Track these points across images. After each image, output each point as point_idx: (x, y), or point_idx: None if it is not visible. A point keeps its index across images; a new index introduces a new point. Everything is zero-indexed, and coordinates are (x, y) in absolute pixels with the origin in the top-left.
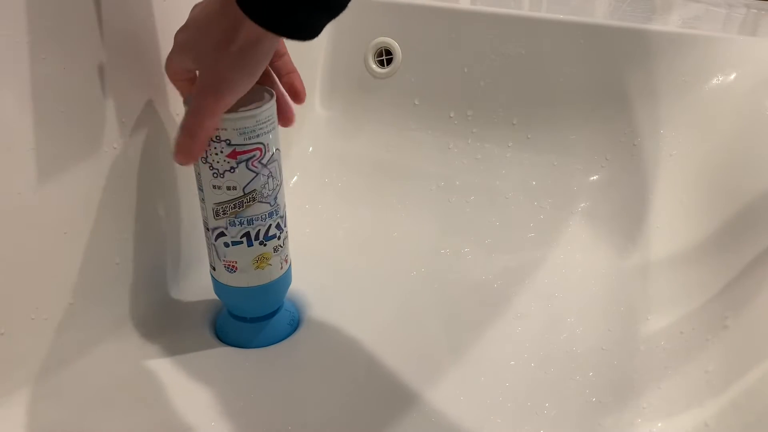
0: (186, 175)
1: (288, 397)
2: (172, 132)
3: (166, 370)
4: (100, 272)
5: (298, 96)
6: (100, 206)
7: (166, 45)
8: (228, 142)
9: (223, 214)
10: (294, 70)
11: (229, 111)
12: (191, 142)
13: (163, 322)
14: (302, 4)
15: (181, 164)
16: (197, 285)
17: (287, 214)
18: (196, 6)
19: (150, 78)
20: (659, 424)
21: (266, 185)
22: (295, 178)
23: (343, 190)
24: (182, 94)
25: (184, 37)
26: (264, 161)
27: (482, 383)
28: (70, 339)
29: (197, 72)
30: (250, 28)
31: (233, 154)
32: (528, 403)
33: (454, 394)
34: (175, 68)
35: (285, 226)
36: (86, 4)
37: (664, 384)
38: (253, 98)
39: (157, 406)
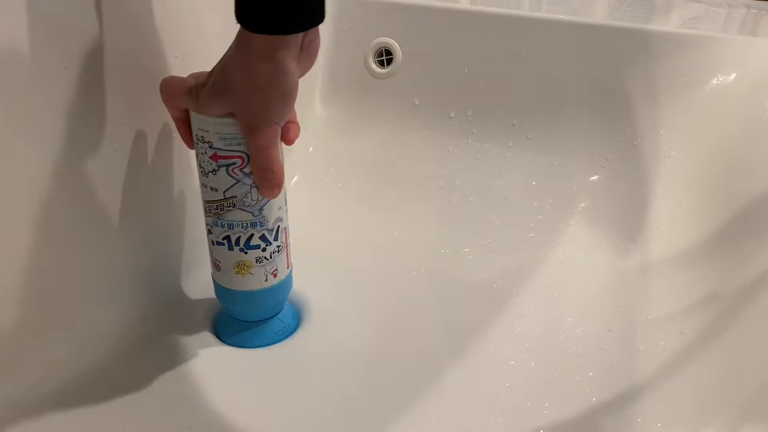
0: (186, 175)
1: (288, 397)
2: (172, 131)
3: (166, 369)
4: (100, 272)
5: (288, 142)
6: (101, 206)
7: (166, 45)
8: (210, 144)
9: (209, 212)
10: (294, 121)
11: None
12: (272, 176)
13: (164, 322)
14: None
15: (276, 196)
16: (198, 285)
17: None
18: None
19: (150, 78)
20: (659, 424)
21: (248, 194)
22: (295, 178)
23: (343, 190)
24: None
25: (214, 87)
26: (246, 171)
27: (482, 383)
28: (70, 339)
29: (237, 115)
30: (260, 42)
31: (215, 157)
32: (528, 403)
33: (454, 394)
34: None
35: (276, 240)
36: (86, 4)
37: (664, 384)
38: None
39: (156, 406)
